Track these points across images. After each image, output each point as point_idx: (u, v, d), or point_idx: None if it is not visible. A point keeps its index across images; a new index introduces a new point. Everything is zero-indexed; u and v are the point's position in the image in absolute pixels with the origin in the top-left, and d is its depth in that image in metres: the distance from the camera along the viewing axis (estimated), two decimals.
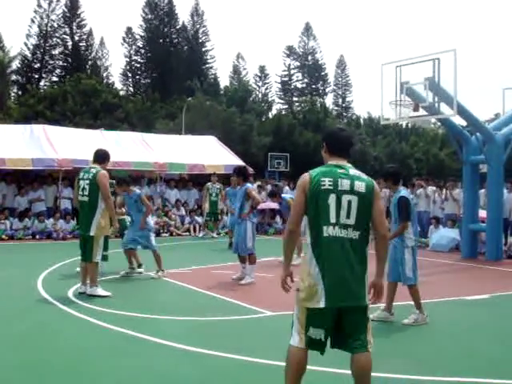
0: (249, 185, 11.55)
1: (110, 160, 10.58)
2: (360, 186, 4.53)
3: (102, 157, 10.26)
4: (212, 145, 26.09)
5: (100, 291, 9.68)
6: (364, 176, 4.65)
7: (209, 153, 24.50)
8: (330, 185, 4.47)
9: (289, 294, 4.72)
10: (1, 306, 9.06)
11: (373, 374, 5.80)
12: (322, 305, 4.41)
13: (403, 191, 8.31)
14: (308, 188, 4.49)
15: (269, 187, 21.70)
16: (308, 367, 4.58)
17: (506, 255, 15.95)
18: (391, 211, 8.48)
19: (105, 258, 10.44)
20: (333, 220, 4.45)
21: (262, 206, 15.65)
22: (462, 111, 14.79)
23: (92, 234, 9.70)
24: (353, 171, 4.62)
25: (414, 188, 20.26)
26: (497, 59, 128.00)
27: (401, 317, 8.25)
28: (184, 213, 22.41)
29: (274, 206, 17.97)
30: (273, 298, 9.03)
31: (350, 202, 4.47)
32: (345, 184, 4.49)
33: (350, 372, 4.59)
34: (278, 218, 22.40)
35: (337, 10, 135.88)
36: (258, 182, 24.60)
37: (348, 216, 4.47)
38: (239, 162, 23.53)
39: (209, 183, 20.90)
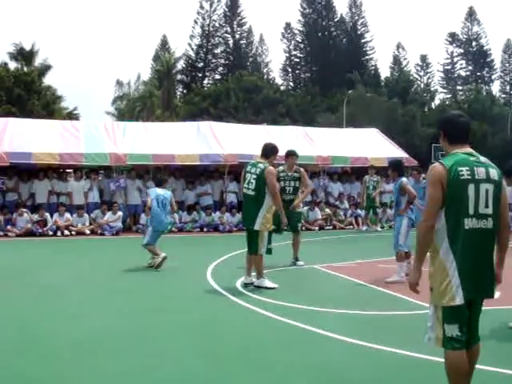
0: (403, 179, 10.84)
1: (277, 154, 10.56)
2: (494, 174, 4.41)
3: (270, 151, 10.30)
4: (374, 137, 25.71)
5: (267, 283, 9.82)
6: (492, 163, 4.50)
7: (371, 145, 24.17)
8: (468, 174, 4.30)
9: None
10: (175, 296, 9.45)
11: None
12: (458, 301, 4.28)
13: None
14: (446, 179, 4.29)
15: None
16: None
17: None
18: None
19: (269, 251, 10.53)
20: (471, 211, 4.30)
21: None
22: None
23: (257, 228, 9.80)
24: (483, 159, 4.49)
25: None
26: None
27: None
28: (347, 206, 22.29)
29: None
30: None
31: (487, 191, 4.34)
32: (481, 172, 4.35)
33: None
34: None
35: None
36: (423, 175, 23.94)
37: (487, 205, 4.34)
38: (402, 155, 23.09)
39: (366, 176, 20.69)
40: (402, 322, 7.77)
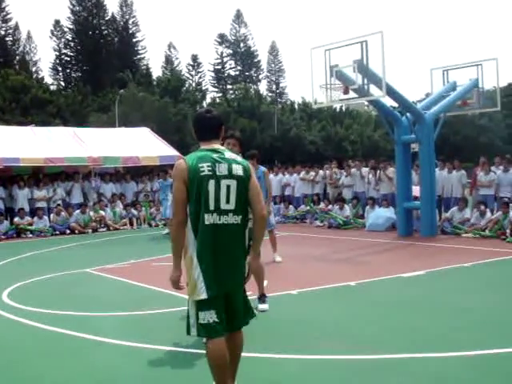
0: None
1: None
2: (238, 170, 4.47)
3: None
4: (146, 136, 25.71)
5: None
6: (239, 158, 4.63)
7: (143, 145, 24.16)
8: (209, 170, 4.37)
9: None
10: None
11: (311, 356, 5.88)
12: (203, 297, 4.35)
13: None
14: (187, 176, 4.37)
15: None
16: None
17: (439, 231, 16.27)
18: None
19: None
20: (212, 207, 4.37)
21: None
22: (392, 92, 14.97)
23: None
24: (228, 154, 4.57)
25: (349, 169, 20.64)
26: (425, 40, 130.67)
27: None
28: (121, 206, 22.02)
29: None
30: None
31: (228, 187, 4.41)
32: (223, 168, 4.42)
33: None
34: None
35: None
36: None
37: (228, 201, 4.41)
38: (174, 153, 23.40)
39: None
40: (177, 319, 7.81)
